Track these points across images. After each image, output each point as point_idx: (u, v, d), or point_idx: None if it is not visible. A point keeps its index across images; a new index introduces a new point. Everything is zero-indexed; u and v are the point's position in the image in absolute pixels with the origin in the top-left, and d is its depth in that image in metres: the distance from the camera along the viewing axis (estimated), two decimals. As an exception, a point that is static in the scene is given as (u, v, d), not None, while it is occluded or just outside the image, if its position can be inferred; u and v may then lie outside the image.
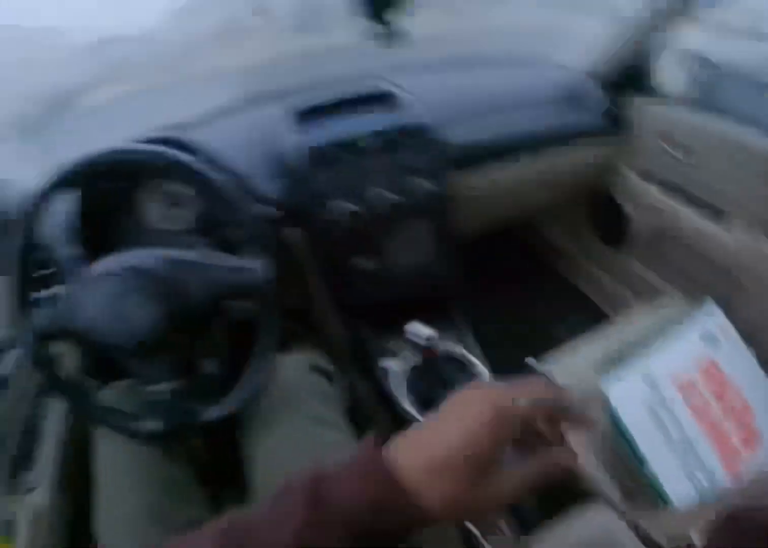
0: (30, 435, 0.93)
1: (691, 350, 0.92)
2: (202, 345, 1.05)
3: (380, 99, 1.21)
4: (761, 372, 0.94)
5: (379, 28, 0.69)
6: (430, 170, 1.11)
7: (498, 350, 1.17)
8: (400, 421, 1.01)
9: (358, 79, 1.37)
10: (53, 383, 0.77)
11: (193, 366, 0.83)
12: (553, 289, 1.83)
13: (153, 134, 0.98)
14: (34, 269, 0.76)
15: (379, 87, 1.23)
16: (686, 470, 0.83)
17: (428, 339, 0.96)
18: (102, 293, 0.70)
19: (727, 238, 1.17)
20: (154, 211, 0.98)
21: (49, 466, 0.91)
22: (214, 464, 0.91)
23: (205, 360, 1.02)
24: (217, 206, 0.78)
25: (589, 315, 1.59)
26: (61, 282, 0.80)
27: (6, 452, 0.88)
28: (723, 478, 0.84)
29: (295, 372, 0.89)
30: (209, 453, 0.94)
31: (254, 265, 0.76)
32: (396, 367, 1.07)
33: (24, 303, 0.74)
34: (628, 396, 0.84)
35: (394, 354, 1.11)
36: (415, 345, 0.99)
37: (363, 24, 0.88)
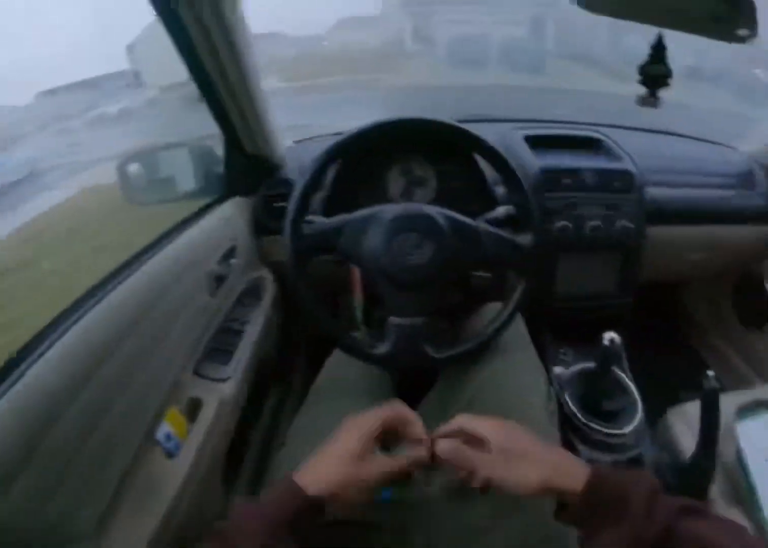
0: (232, 333, 1.06)
1: None
2: (454, 293, 1.26)
3: (595, 144, 1.40)
4: None
5: (646, 96, 0.81)
6: (632, 212, 1.27)
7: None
8: (562, 415, 1.13)
9: (574, 124, 1.59)
10: (301, 292, 0.85)
11: (440, 309, 0.92)
12: (681, 354, 1.87)
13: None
14: (308, 200, 0.86)
15: (594, 134, 1.42)
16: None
17: (613, 344, 1.04)
18: (389, 230, 0.82)
19: None
20: (398, 186, 1.16)
21: (243, 364, 1.02)
22: (410, 390, 0.99)
23: (452, 306, 1.23)
24: (508, 185, 0.91)
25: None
26: (323, 214, 0.95)
27: (203, 340, 1.00)
28: None
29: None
30: (409, 379, 1.05)
31: (525, 241, 0.88)
32: (564, 371, 1.24)
33: (299, 220, 0.85)
34: (756, 438, 0.94)
35: (563, 362, 1.28)
36: (604, 351, 1.05)
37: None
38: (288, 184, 1.19)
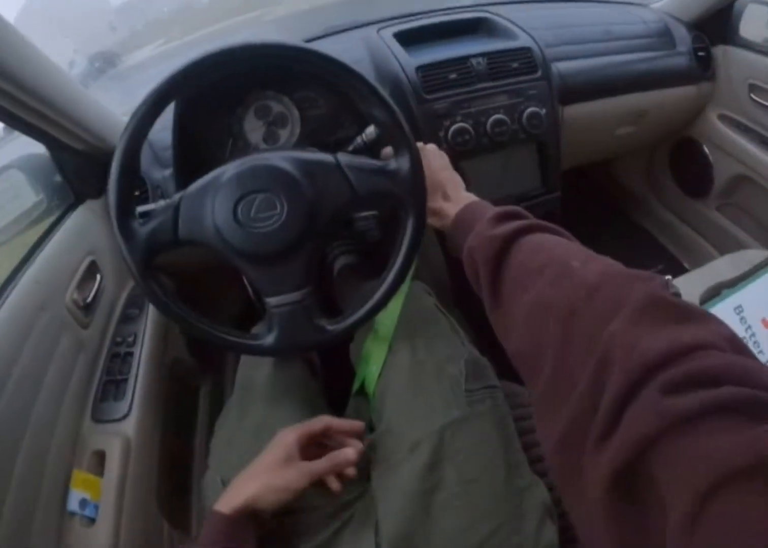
0: (120, 359, 0.94)
1: None
2: (333, 250, 1.09)
3: (482, 25, 1.23)
4: None
5: None
6: (540, 95, 1.11)
7: None
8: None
9: (453, 9, 1.34)
10: (159, 301, 0.70)
11: (318, 277, 0.81)
12: (625, 233, 1.80)
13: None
14: (134, 187, 0.73)
15: (479, 14, 1.24)
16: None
17: None
18: (229, 196, 0.66)
19: None
20: (257, 132, 0.97)
21: (142, 391, 0.91)
22: (332, 377, 0.92)
23: (336, 263, 1.06)
24: (367, 102, 0.70)
25: (661, 261, 1.56)
26: (162, 197, 0.83)
27: (94, 379, 0.90)
28: None
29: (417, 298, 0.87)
30: (327, 366, 0.96)
31: (401, 165, 0.70)
32: None
33: (127, 216, 0.68)
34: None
35: None
36: None
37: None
38: None
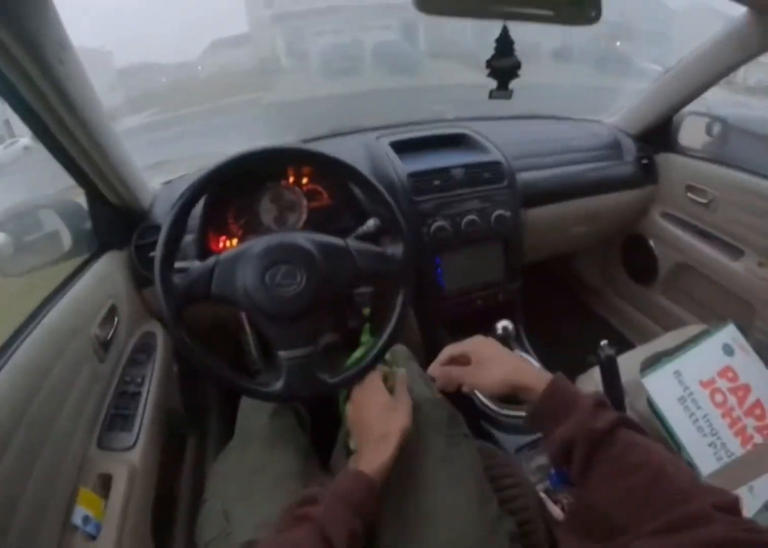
0: (129, 396, 1.01)
1: (711, 357, 1.13)
2: (336, 318, 1.25)
3: (462, 140, 1.45)
4: None
5: (497, 89, 0.83)
6: (507, 201, 1.32)
7: (545, 362, 1.32)
8: (473, 407, 1.17)
9: (439, 123, 1.62)
10: (185, 344, 0.81)
11: (323, 336, 0.97)
12: (582, 319, 2.00)
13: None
14: (176, 246, 0.83)
15: (459, 129, 1.46)
16: (709, 443, 1.05)
17: (507, 333, 1.11)
18: (259, 264, 0.80)
19: (742, 272, 1.40)
20: (270, 214, 1.18)
21: (147, 427, 0.98)
22: (319, 429, 1.01)
23: (323, 341, 1.22)
24: (373, 200, 0.90)
25: (614, 344, 1.74)
26: (184, 257, 0.96)
27: (102, 409, 0.96)
28: (739, 452, 1.03)
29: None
30: (314, 419, 1.05)
31: (396, 252, 0.88)
32: None
33: (168, 271, 0.81)
34: (663, 388, 1.06)
35: None
36: (499, 340, 1.10)
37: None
38: (156, 230, 1.13)
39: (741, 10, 1.18)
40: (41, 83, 0.77)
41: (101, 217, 1.13)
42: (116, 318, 1.05)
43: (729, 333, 1.19)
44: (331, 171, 0.98)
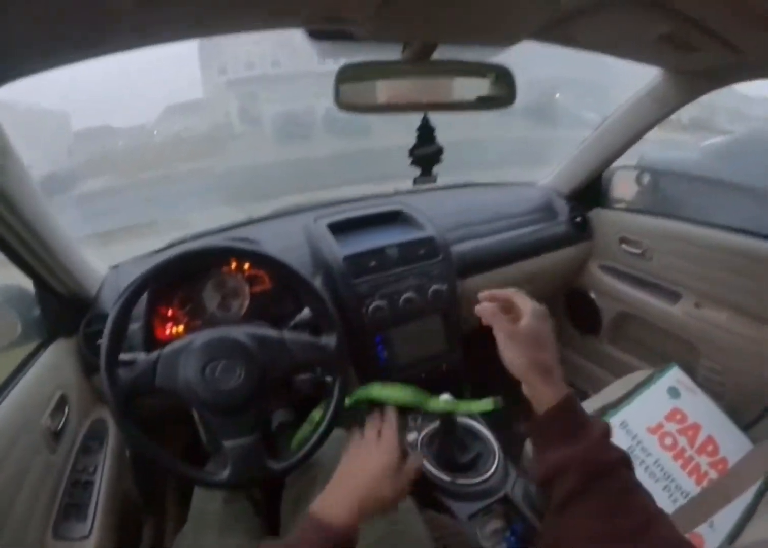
0: (82, 485, 1.01)
1: (657, 402, 1.18)
2: (276, 406, 1.27)
3: (396, 216, 1.50)
4: (720, 413, 1.21)
5: (421, 176, 0.89)
6: (442, 275, 1.36)
7: (495, 426, 1.31)
8: (423, 478, 1.14)
9: (376, 199, 1.66)
10: (132, 436, 0.84)
11: (264, 424, 0.99)
12: None
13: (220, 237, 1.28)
14: (121, 344, 0.87)
15: (394, 206, 1.52)
16: (663, 487, 1.08)
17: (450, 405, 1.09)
18: (199, 359, 0.84)
19: (681, 314, 1.47)
20: (214, 301, 1.21)
21: (101, 516, 0.98)
22: (273, 513, 1.02)
23: (276, 419, 1.24)
24: (297, 289, 0.97)
25: None
26: (130, 348, 1.01)
27: (56, 500, 0.96)
28: (694, 491, 1.08)
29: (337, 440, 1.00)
30: (268, 501, 1.06)
31: (329, 342, 0.94)
32: (418, 437, 1.24)
33: (114, 365, 0.84)
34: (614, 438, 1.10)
35: (415, 428, 1.28)
36: (440, 414, 1.12)
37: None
38: (104, 318, 1.14)
39: (656, 71, 1.30)
40: None
41: (49, 305, 1.14)
42: (66, 408, 1.05)
43: (673, 376, 1.26)
44: (267, 267, 1.06)
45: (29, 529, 0.84)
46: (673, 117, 1.42)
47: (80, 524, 0.94)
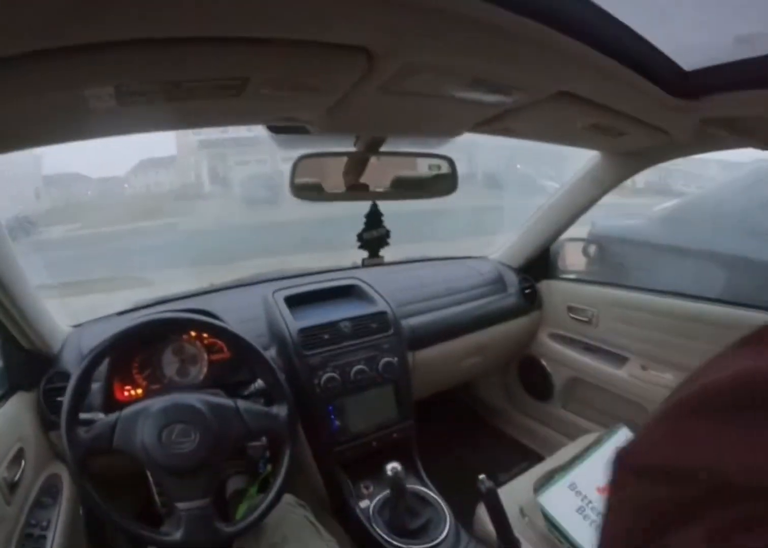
0: (33, 540, 1.01)
1: (607, 462, 1.25)
2: (232, 472, 1.27)
3: (351, 290, 1.56)
4: None
5: (369, 258, 0.95)
6: (393, 348, 1.41)
7: (449, 491, 1.36)
8: (376, 545, 1.19)
9: (334, 273, 1.71)
10: (87, 494, 0.87)
11: (219, 489, 1.03)
12: (491, 440, 2.05)
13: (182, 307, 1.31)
14: (81, 406, 0.92)
15: (348, 280, 1.58)
16: None
17: (396, 474, 1.12)
18: (156, 423, 0.89)
19: (628, 377, 1.53)
20: (172, 366, 1.24)
21: None
22: None
23: (231, 486, 1.25)
24: (251, 361, 1.04)
25: (524, 459, 1.77)
26: (102, 409, 1.05)
27: None
28: None
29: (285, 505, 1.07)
30: None
31: (280, 412, 0.99)
32: (370, 504, 1.28)
33: (74, 425, 0.88)
34: (559, 502, 1.11)
35: (367, 495, 1.33)
36: (390, 481, 1.14)
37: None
38: (66, 377, 1.14)
39: (594, 153, 1.42)
40: None
41: (13, 358, 1.16)
42: (23, 461, 1.05)
43: (622, 436, 1.29)
44: (224, 339, 1.12)
45: None
46: (627, 181, 1.52)
47: None
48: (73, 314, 1.39)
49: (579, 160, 1.56)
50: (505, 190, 8.04)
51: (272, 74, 0.54)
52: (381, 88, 0.64)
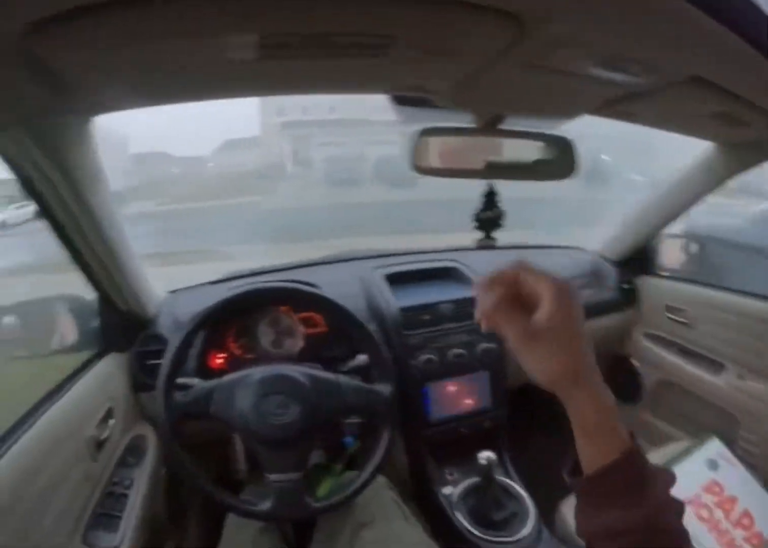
0: (116, 497, 1.03)
1: (694, 473, 1.17)
2: (324, 445, 1.30)
3: (450, 272, 1.54)
4: (757, 486, 1.20)
5: (483, 239, 0.93)
6: (492, 334, 1.38)
7: (532, 486, 1.32)
8: (457, 533, 1.17)
9: (429, 254, 1.71)
10: (177, 456, 0.90)
11: (310, 462, 1.00)
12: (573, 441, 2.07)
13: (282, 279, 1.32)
14: (181, 365, 0.96)
15: (448, 262, 1.56)
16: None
17: (489, 462, 1.10)
18: (255, 392, 0.90)
19: (725, 385, 1.45)
20: (268, 337, 1.26)
21: (131, 530, 0.99)
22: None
23: (312, 459, 1.29)
24: (355, 336, 1.04)
25: None
26: (196, 375, 1.07)
27: (89, 508, 0.97)
28: None
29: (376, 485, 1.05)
30: (297, 537, 1.09)
31: (384, 390, 0.99)
32: (454, 491, 1.26)
33: (172, 388, 0.91)
34: None
35: (451, 481, 1.31)
36: (482, 470, 1.12)
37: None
38: (160, 340, 1.21)
39: (707, 144, 1.32)
40: (73, 207, 0.86)
41: (110, 319, 1.20)
42: (111, 420, 1.09)
43: (713, 447, 1.25)
44: (327, 311, 1.13)
45: (60, 531, 0.86)
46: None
47: (110, 534, 0.96)
48: (166, 283, 1.44)
49: (670, 154, 1.51)
50: (591, 182, 7.74)
51: (417, 34, 0.52)
52: (520, 60, 0.62)
